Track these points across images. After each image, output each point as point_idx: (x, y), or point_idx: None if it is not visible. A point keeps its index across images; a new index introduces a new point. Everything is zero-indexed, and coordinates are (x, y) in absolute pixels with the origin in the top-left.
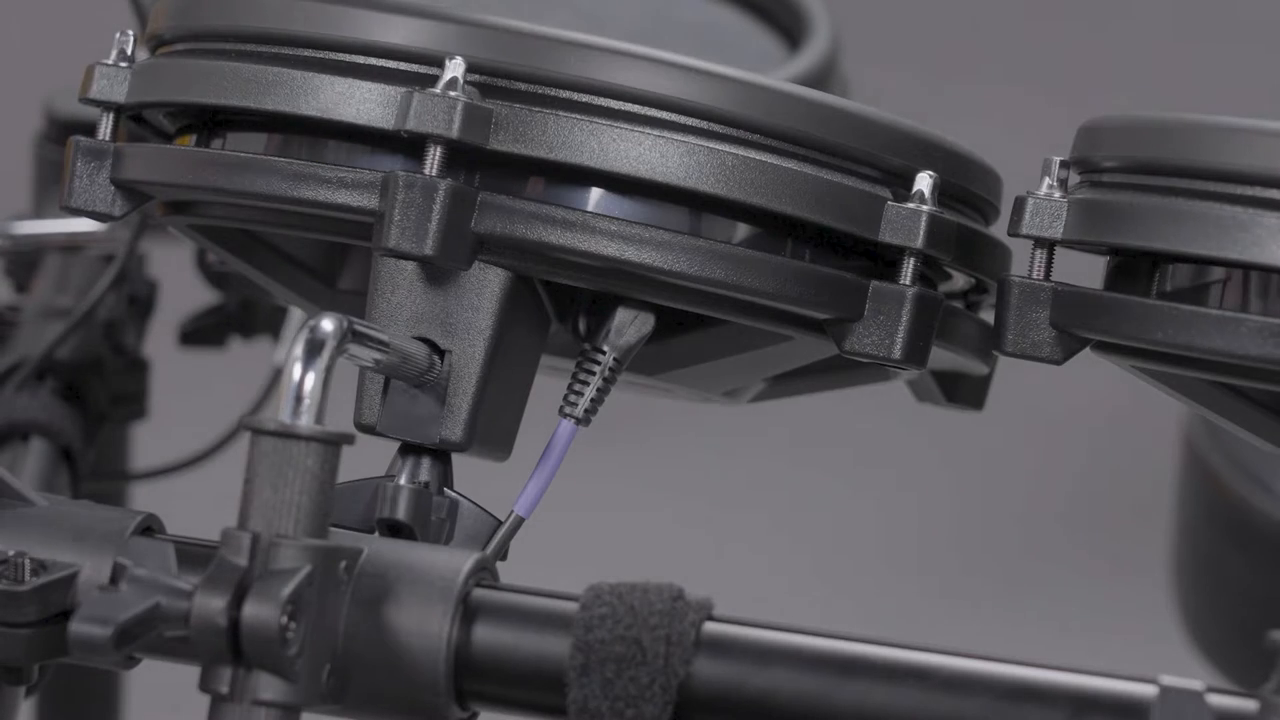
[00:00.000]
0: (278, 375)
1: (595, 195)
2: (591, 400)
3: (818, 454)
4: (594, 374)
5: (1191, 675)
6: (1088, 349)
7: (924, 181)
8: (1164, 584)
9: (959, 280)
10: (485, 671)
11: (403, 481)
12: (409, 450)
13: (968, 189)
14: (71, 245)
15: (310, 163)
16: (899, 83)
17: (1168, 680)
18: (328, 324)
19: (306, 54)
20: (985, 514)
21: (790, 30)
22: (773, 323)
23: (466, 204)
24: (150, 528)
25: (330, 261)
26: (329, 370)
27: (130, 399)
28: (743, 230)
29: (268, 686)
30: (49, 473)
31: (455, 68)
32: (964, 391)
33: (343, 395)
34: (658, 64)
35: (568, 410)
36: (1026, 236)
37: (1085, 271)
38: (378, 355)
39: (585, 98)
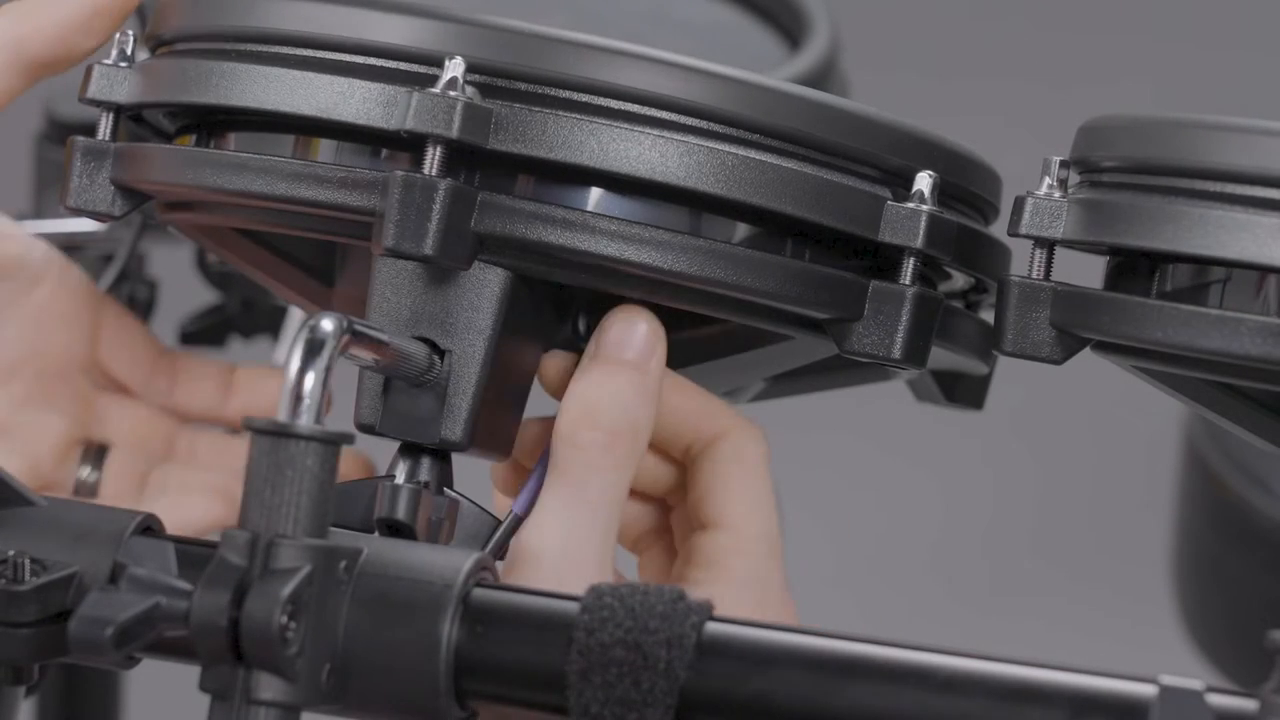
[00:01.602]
0: None
1: (595, 195)
2: None
3: (819, 453)
4: None
5: (1191, 675)
6: (1088, 349)
7: (924, 181)
8: (1164, 583)
9: (959, 280)
10: (485, 671)
11: (402, 481)
12: (409, 450)
13: (968, 188)
14: (71, 245)
15: (310, 163)
16: (899, 82)
17: (1168, 680)
18: (327, 324)
19: (306, 54)
20: (984, 513)
21: (790, 30)
22: (772, 322)
23: (466, 204)
24: (150, 528)
25: (330, 261)
26: (329, 370)
27: None
28: (742, 230)
29: (268, 686)
30: None
31: (455, 67)
32: (964, 391)
33: (343, 396)
34: (658, 63)
35: None
36: (1026, 236)
37: (1085, 271)
38: (377, 355)
39: (585, 97)
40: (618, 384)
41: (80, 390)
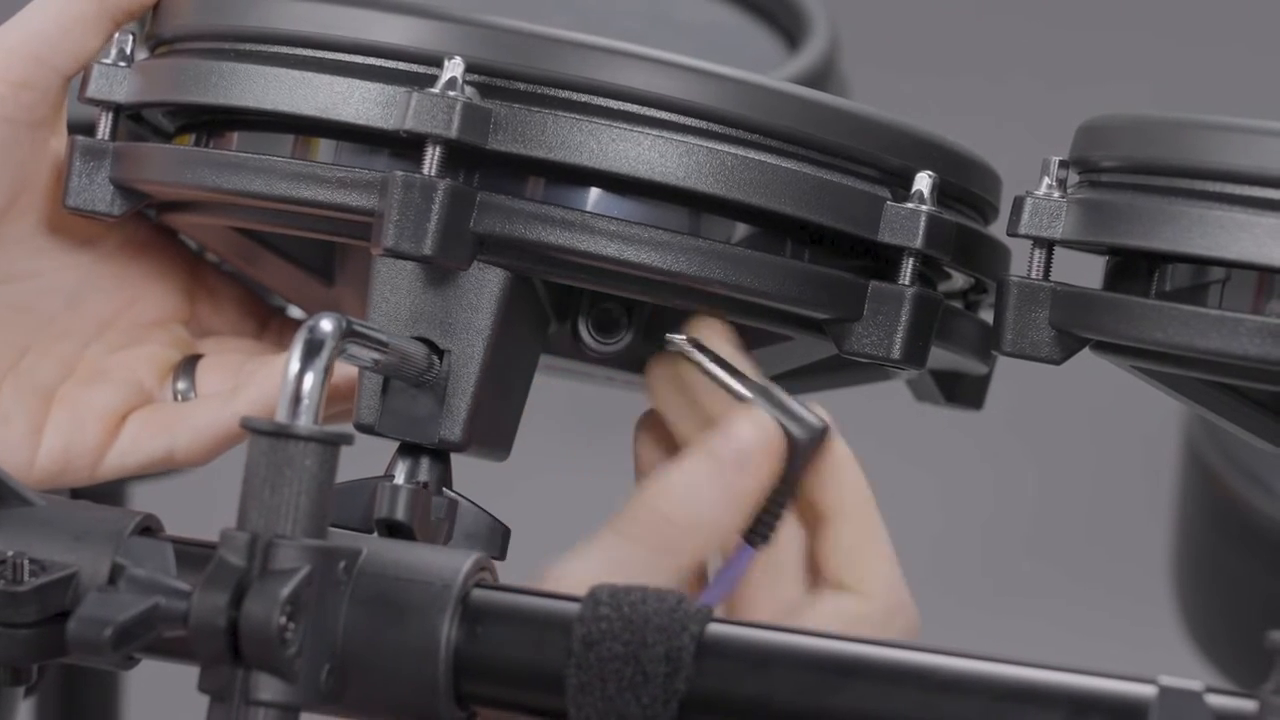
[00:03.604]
0: None
1: (594, 195)
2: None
3: None
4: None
5: (1191, 675)
6: (1087, 349)
7: (923, 181)
8: (1164, 583)
9: (958, 280)
10: (485, 672)
11: (401, 481)
12: (408, 450)
13: (967, 188)
14: None
15: (309, 163)
16: (898, 81)
17: (1167, 680)
18: (326, 324)
19: (305, 54)
20: (983, 513)
21: (789, 30)
22: (772, 323)
23: (465, 204)
24: (149, 528)
25: (329, 261)
26: (328, 370)
27: None
28: (742, 230)
29: (267, 687)
30: None
31: (454, 67)
32: (963, 391)
33: None
34: (657, 64)
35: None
36: (1025, 236)
37: (1085, 271)
38: (376, 355)
39: (584, 98)
40: (700, 479)
41: (179, 334)
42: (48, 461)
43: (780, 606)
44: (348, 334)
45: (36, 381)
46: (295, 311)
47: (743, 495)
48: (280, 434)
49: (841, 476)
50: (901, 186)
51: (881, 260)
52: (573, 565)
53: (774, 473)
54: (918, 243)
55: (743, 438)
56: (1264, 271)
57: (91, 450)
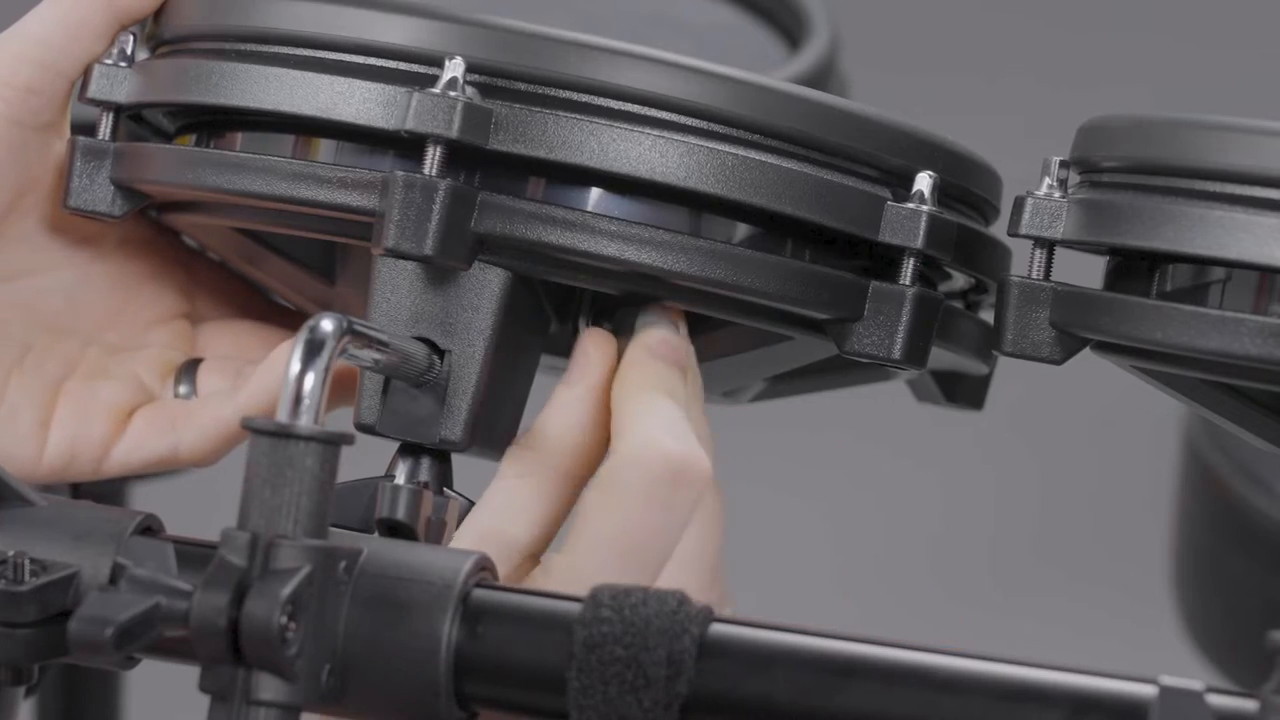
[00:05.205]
0: None
1: (595, 195)
2: None
3: (820, 452)
4: None
5: (1191, 675)
6: (1088, 349)
7: (924, 181)
8: (1164, 583)
9: (959, 280)
10: (486, 673)
11: (402, 481)
12: (409, 450)
13: (967, 189)
14: None
15: (310, 163)
16: (899, 81)
17: (1168, 680)
18: (327, 324)
19: (306, 54)
20: (984, 513)
21: (790, 30)
22: (772, 323)
23: (466, 204)
24: (150, 528)
25: (330, 261)
26: (329, 370)
27: None
28: (743, 230)
29: (267, 687)
30: None
31: (455, 67)
32: (964, 391)
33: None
34: (658, 64)
35: None
36: (1026, 236)
37: (1085, 271)
38: (377, 355)
39: (585, 98)
40: (555, 406)
41: (179, 330)
42: (55, 455)
43: None
44: (348, 334)
45: (43, 376)
46: None
47: (589, 404)
48: (281, 434)
49: (623, 369)
50: (902, 186)
51: (882, 260)
52: (478, 513)
53: (608, 370)
54: (918, 243)
55: (581, 351)
56: (1265, 272)
57: (98, 444)
